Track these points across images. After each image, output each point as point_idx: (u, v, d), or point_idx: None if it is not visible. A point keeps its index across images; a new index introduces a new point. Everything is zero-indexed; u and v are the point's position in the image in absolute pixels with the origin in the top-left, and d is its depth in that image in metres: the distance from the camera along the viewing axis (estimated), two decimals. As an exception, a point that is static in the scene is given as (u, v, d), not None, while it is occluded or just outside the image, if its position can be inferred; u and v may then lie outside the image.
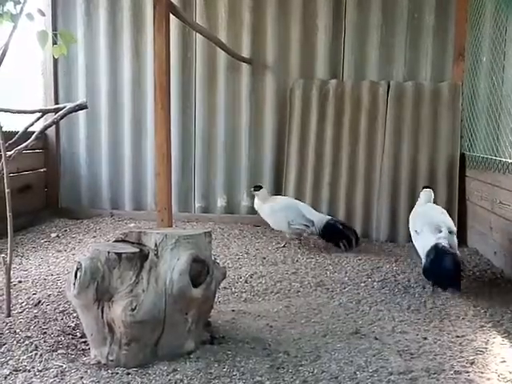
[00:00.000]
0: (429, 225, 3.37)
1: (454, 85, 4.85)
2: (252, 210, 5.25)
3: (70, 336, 2.49)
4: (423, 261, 3.25)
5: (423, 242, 3.31)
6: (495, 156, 4.01)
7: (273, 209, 4.39)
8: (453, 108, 4.82)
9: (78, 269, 2.16)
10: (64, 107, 3.36)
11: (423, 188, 4.09)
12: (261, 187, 4.52)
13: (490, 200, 4.10)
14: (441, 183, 4.75)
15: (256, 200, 4.54)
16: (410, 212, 4.67)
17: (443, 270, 3.10)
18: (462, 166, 4.74)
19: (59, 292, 3.13)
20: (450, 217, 4.56)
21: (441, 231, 3.28)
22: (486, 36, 4.35)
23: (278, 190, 5.14)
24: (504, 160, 3.81)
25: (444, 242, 3.17)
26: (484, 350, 2.41)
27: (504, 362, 2.29)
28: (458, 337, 2.57)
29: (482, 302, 3.11)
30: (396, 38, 5.02)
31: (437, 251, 3.14)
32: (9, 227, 2.71)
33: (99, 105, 5.41)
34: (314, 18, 5.09)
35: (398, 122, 4.83)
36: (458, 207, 4.70)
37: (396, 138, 4.83)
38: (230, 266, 3.83)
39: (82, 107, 3.37)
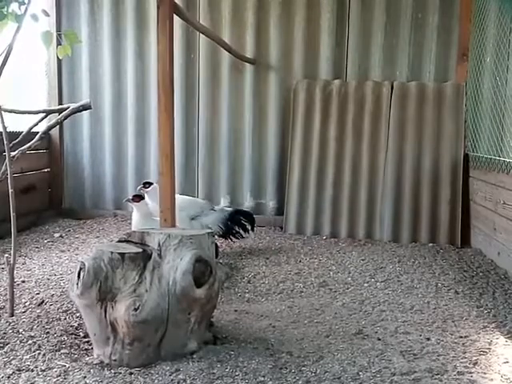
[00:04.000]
0: (207, 208, 4.29)
1: (458, 85, 4.84)
2: (255, 211, 5.27)
3: (73, 336, 2.50)
4: (222, 227, 4.19)
5: (213, 217, 4.20)
6: (499, 156, 4.00)
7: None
8: (456, 108, 4.81)
9: (81, 269, 2.17)
10: (68, 108, 3.37)
11: (148, 184, 4.00)
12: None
13: (493, 200, 4.09)
14: (444, 183, 4.74)
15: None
16: (414, 213, 4.72)
17: (250, 214, 4.42)
18: (465, 166, 4.73)
19: (62, 292, 3.14)
20: (454, 217, 4.61)
21: (214, 207, 4.40)
22: (490, 36, 4.33)
23: (281, 189, 5.15)
24: (508, 160, 3.80)
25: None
26: (487, 350, 2.41)
27: (507, 362, 2.28)
28: (461, 337, 2.56)
29: (486, 303, 3.10)
30: (399, 38, 5.01)
31: (239, 210, 4.45)
32: (12, 227, 2.72)
33: (103, 105, 5.42)
34: (317, 18, 5.08)
35: (401, 123, 4.83)
36: (462, 208, 4.69)
37: (399, 139, 4.82)
38: (232, 266, 3.84)
39: (85, 108, 3.38)
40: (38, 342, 2.40)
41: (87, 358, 2.26)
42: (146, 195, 3.90)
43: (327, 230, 4.88)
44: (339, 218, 4.87)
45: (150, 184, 3.95)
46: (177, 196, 4.35)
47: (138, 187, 4.06)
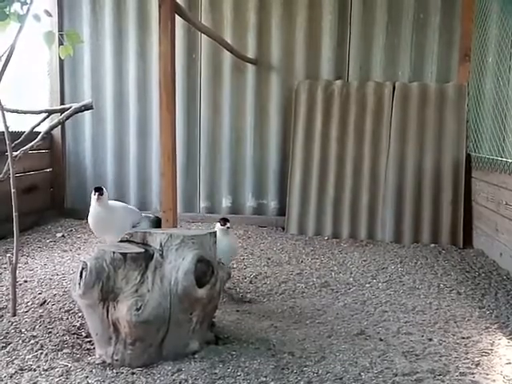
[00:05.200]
0: (141, 215, 4.11)
1: (460, 86, 4.84)
2: (257, 211, 5.27)
3: (75, 335, 2.50)
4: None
5: (147, 225, 4.03)
6: (501, 157, 4.00)
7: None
8: (458, 109, 4.80)
9: (83, 268, 2.17)
10: (70, 107, 3.37)
11: (101, 190, 3.56)
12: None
13: (495, 201, 4.08)
14: (446, 184, 4.73)
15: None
16: (416, 213, 4.71)
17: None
18: (467, 167, 4.72)
19: (64, 292, 3.14)
20: (456, 218, 4.60)
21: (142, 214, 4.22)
22: (492, 37, 4.33)
23: (282, 190, 5.14)
24: (510, 161, 3.79)
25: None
26: (489, 351, 2.41)
27: (509, 363, 2.28)
28: (463, 338, 2.56)
29: (488, 304, 3.10)
30: (401, 39, 5.01)
31: (158, 217, 4.00)
32: (15, 227, 2.72)
33: (105, 105, 5.42)
34: (319, 19, 5.08)
35: (403, 123, 4.82)
36: (464, 208, 4.68)
37: (401, 139, 4.81)
38: (234, 266, 3.83)
39: (87, 108, 3.38)
40: (41, 342, 2.40)
41: (89, 358, 2.26)
42: (95, 202, 3.45)
43: (329, 230, 4.88)
44: (341, 218, 4.86)
45: (101, 190, 3.45)
46: (118, 203, 4.03)
47: (95, 195, 3.46)
